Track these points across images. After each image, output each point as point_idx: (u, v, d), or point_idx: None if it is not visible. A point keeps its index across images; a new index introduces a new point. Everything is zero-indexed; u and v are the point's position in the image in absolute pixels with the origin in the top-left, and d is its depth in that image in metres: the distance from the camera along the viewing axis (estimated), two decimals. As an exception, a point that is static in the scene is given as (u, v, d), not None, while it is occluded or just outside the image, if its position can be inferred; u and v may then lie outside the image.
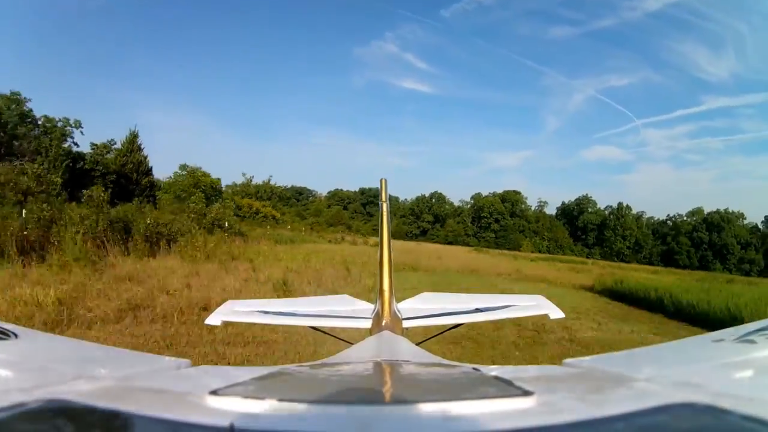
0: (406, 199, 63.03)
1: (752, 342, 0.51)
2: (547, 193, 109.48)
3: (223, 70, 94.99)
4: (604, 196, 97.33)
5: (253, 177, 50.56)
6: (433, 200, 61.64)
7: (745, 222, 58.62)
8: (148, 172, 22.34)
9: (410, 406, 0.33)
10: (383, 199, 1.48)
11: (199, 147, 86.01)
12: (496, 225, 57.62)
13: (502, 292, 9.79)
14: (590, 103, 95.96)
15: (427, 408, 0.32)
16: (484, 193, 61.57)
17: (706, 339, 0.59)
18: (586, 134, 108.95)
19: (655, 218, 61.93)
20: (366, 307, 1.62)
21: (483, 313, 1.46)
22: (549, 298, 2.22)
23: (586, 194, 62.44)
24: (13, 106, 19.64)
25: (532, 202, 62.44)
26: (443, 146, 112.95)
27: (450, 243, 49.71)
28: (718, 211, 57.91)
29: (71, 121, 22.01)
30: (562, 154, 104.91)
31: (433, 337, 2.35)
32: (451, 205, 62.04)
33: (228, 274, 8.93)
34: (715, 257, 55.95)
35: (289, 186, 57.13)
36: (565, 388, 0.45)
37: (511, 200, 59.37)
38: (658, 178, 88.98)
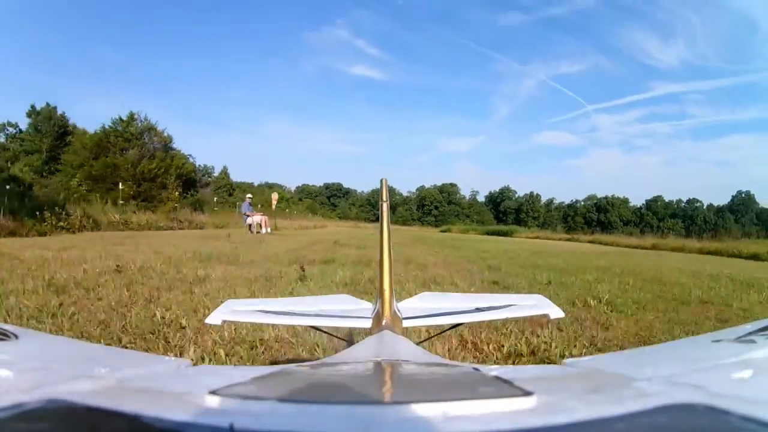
0: (363, 191, 76.84)
1: (752, 342, 0.51)
2: (497, 177, 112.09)
3: (175, 62, 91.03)
4: (552, 181, 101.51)
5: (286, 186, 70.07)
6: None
7: (631, 205, 76.61)
8: (231, 185, 45.72)
9: (410, 406, 0.32)
10: (383, 198, 1.41)
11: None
12: (435, 211, 72.47)
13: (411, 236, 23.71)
14: (541, 89, 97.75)
15: (427, 408, 0.31)
16: (427, 185, 76.64)
17: (706, 339, 0.60)
18: (538, 120, 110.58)
19: (564, 203, 78.80)
20: (366, 307, 1.55)
21: (483, 312, 1.41)
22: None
23: (508, 185, 78.70)
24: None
25: (466, 192, 77.88)
26: (395, 132, 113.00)
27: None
28: (606, 197, 75.48)
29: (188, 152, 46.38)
30: (513, 139, 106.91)
31: (433, 337, 2.44)
32: (400, 195, 76.32)
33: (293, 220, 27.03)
34: (603, 232, 73.17)
35: (263, 182, 68.71)
36: (565, 388, 0.45)
37: (447, 191, 74.66)
38: (608, 162, 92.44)
